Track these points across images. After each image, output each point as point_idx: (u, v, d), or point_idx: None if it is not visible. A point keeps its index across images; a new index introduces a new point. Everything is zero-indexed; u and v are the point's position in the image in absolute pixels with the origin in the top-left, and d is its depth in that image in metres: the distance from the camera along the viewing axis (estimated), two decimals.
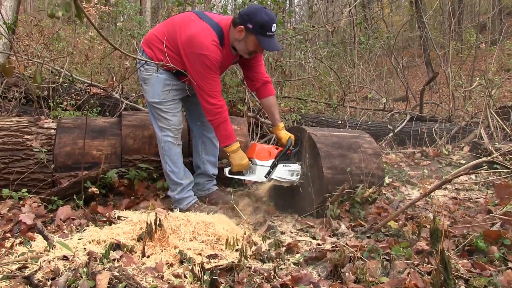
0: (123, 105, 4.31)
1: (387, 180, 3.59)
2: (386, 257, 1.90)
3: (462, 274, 1.71)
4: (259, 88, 2.78)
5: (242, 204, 2.71)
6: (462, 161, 4.58)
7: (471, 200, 3.22)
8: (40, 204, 2.53)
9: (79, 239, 2.05)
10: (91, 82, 4.63)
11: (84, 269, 1.60)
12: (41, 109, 4.19)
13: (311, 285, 1.66)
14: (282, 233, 2.44)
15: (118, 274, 1.57)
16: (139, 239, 2.03)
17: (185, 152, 2.86)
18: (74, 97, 4.62)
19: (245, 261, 1.85)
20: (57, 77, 4.52)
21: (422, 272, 1.73)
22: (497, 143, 4.46)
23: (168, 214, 2.30)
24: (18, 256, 1.81)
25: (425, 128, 5.63)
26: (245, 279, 1.69)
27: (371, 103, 7.11)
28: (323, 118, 5.51)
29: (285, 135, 2.72)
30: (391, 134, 5.46)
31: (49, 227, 2.31)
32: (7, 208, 2.45)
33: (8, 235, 2.17)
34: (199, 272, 1.72)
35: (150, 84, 2.61)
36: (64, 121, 2.91)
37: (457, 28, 10.17)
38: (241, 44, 2.47)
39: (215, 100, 2.49)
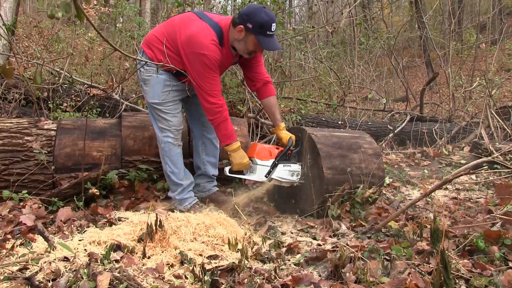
0: (123, 106, 4.32)
1: (387, 180, 3.59)
2: (387, 257, 1.90)
3: (463, 274, 1.71)
4: (260, 89, 2.79)
5: (242, 205, 2.70)
6: (463, 161, 4.58)
7: (471, 200, 3.22)
8: (41, 206, 2.53)
9: (80, 240, 2.05)
10: (91, 83, 4.63)
11: (85, 270, 1.60)
12: (41, 111, 4.20)
13: (312, 286, 1.66)
14: (283, 233, 2.44)
15: (119, 275, 1.57)
16: (140, 240, 2.03)
17: (185, 152, 2.86)
18: (74, 98, 4.62)
19: (246, 262, 1.85)
20: (56, 78, 4.52)
21: (423, 272, 1.73)
22: (497, 143, 4.46)
23: (169, 215, 2.30)
24: (19, 257, 1.81)
25: (425, 129, 5.63)
26: (246, 280, 1.69)
27: (371, 103, 7.11)
28: (323, 119, 5.51)
29: (286, 135, 2.72)
30: (391, 135, 5.46)
31: (49, 228, 2.31)
32: (8, 210, 2.45)
33: (9, 236, 2.17)
34: (200, 273, 1.72)
35: (150, 85, 2.62)
36: (64, 122, 2.91)
37: (457, 28, 10.17)
38: (241, 44, 2.47)
39: (215, 99, 2.49)
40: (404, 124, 5.68)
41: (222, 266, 1.82)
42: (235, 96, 4.71)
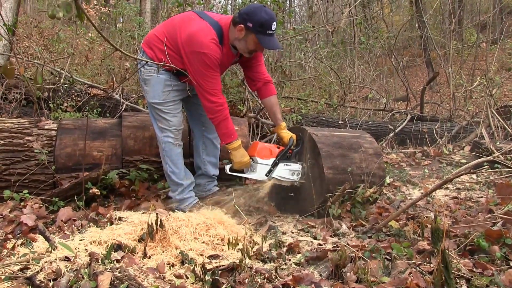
0: (124, 106, 4.31)
1: (388, 180, 3.59)
2: (388, 257, 1.90)
3: (464, 273, 1.70)
4: (260, 88, 2.79)
5: (243, 205, 2.71)
6: (463, 161, 4.58)
7: (472, 200, 3.22)
8: (41, 205, 2.53)
9: (81, 240, 2.05)
10: (92, 83, 4.63)
11: (86, 270, 1.61)
12: (41, 111, 4.20)
13: (313, 285, 1.66)
14: (283, 233, 2.44)
15: (119, 274, 1.57)
16: (141, 239, 2.03)
17: (185, 152, 2.86)
18: (74, 98, 4.62)
19: (247, 261, 1.85)
20: (57, 78, 4.52)
21: (424, 272, 1.73)
22: (498, 143, 4.46)
23: (169, 214, 2.30)
24: (20, 257, 1.82)
25: (426, 128, 5.63)
26: (247, 279, 1.69)
27: (372, 103, 7.11)
28: (324, 118, 5.51)
29: (287, 135, 2.72)
30: (391, 134, 5.46)
31: (50, 228, 2.31)
32: (9, 210, 2.45)
33: (10, 236, 2.17)
34: (201, 273, 1.73)
35: (151, 84, 2.62)
36: (64, 123, 2.91)
37: (458, 27, 10.16)
38: (241, 43, 2.47)
39: (215, 98, 2.49)
40: (404, 123, 5.68)
41: (223, 265, 1.82)
42: (236, 96, 4.71)
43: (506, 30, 10.39)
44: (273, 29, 2.40)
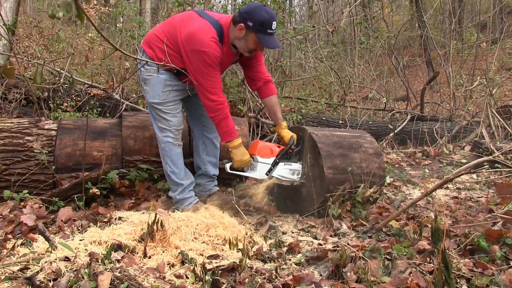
0: (124, 106, 4.31)
1: (388, 179, 3.58)
2: (388, 257, 1.90)
3: (464, 273, 1.70)
4: (261, 88, 2.79)
5: (243, 204, 2.70)
6: (463, 161, 4.58)
7: (472, 200, 3.22)
8: (41, 205, 2.53)
9: (81, 240, 2.05)
10: (91, 83, 4.63)
11: (86, 270, 1.60)
12: (41, 111, 4.20)
13: (313, 285, 1.66)
14: (284, 233, 2.44)
15: (119, 274, 1.57)
16: (141, 239, 2.03)
17: (185, 152, 2.86)
18: (74, 98, 4.62)
19: (247, 261, 1.85)
20: (57, 78, 4.52)
21: (424, 272, 1.73)
22: (498, 142, 4.46)
23: (169, 214, 2.30)
24: (20, 257, 1.81)
25: (426, 128, 5.63)
26: (247, 279, 1.69)
27: (372, 102, 7.11)
28: (324, 118, 5.51)
29: (287, 134, 2.72)
30: (392, 134, 5.45)
31: (50, 228, 2.31)
32: (9, 210, 2.45)
33: (10, 236, 2.17)
34: (201, 273, 1.72)
35: (151, 84, 2.61)
36: (64, 122, 2.91)
37: (458, 27, 10.16)
38: (241, 42, 2.47)
39: (215, 96, 2.49)
40: (404, 123, 5.68)
41: (223, 265, 1.82)
42: (236, 95, 4.71)
43: (506, 30, 10.38)
44: (273, 28, 2.40)
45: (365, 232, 2.33)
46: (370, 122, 5.75)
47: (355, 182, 2.65)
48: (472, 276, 1.68)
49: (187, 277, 1.75)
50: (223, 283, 1.69)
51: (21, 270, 1.68)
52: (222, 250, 2.08)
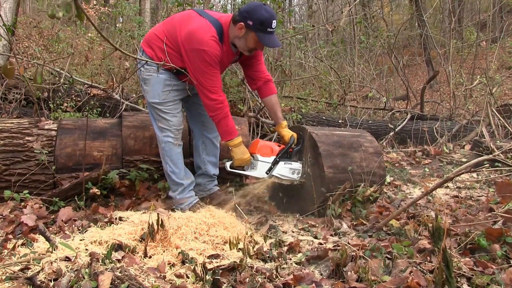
0: (124, 106, 4.31)
1: (388, 179, 3.58)
2: (388, 256, 1.90)
3: (464, 272, 1.70)
4: (261, 87, 2.78)
5: (243, 204, 2.70)
6: (464, 160, 4.57)
7: (472, 199, 3.22)
8: (42, 206, 2.53)
9: (81, 240, 2.05)
10: (91, 83, 4.63)
11: (86, 270, 1.60)
12: (41, 111, 4.20)
13: (313, 284, 1.66)
14: (284, 232, 2.44)
15: (120, 274, 1.57)
16: (141, 239, 2.03)
17: (185, 152, 2.86)
18: (74, 98, 4.62)
19: (247, 261, 1.85)
20: (57, 78, 4.51)
21: (424, 271, 1.73)
22: (498, 141, 4.46)
23: (170, 214, 2.30)
24: (21, 257, 1.81)
25: (426, 127, 5.63)
26: (247, 279, 1.69)
27: (372, 102, 7.11)
28: (324, 118, 5.51)
29: (287, 133, 2.72)
30: (392, 133, 5.45)
31: (50, 228, 2.31)
32: (9, 210, 2.45)
33: (10, 236, 2.17)
34: (201, 272, 1.72)
35: (151, 84, 2.61)
36: (64, 123, 2.91)
37: (458, 26, 10.15)
38: (241, 41, 2.47)
39: (215, 95, 2.49)
40: (404, 122, 5.68)
41: (223, 265, 1.82)
42: (236, 95, 4.70)
43: (506, 29, 10.39)
44: (273, 27, 2.40)
45: (365, 231, 2.33)
46: (370, 122, 5.75)
47: (355, 181, 2.65)
48: (472, 275, 1.68)
49: (188, 277, 1.75)
50: (224, 283, 1.69)
51: (21, 270, 1.68)
52: (223, 249, 2.08)
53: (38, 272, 1.65)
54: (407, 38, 11.74)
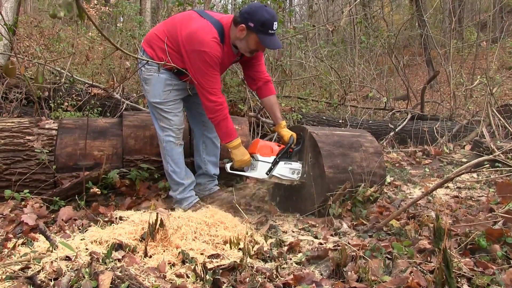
0: (124, 106, 4.31)
1: (388, 179, 3.58)
2: (388, 256, 1.90)
3: (465, 272, 1.70)
4: (260, 87, 2.79)
5: (243, 204, 2.70)
6: (464, 160, 4.57)
7: (473, 199, 3.22)
8: (42, 205, 2.53)
9: (81, 239, 2.05)
10: (92, 83, 4.63)
11: (87, 269, 1.61)
12: (42, 110, 4.20)
13: (314, 284, 1.66)
14: (284, 232, 2.44)
15: (120, 274, 1.57)
16: (141, 239, 2.03)
17: (186, 152, 2.86)
18: (74, 98, 4.62)
19: (248, 261, 1.85)
20: (57, 78, 4.52)
21: (425, 271, 1.73)
22: (498, 141, 4.46)
23: (170, 214, 2.30)
24: (21, 257, 1.82)
25: (426, 127, 5.63)
26: (248, 279, 1.69)
27: (372, 102, 7.11)
28: (324, 118, 5.51)
29: (287, 133, 2.73)
30: (392, 133, 5.45)
31: (51, 228, 2.31)
32: (9, 209, 2.45)
33: (11, 235, 2.17)
34: (202, 272, 1.73)
35: (151, 84, 2.61)
36: (65, 122, 2.91)
37: (458, 26, 10.15)
38: (242, 43, 2.47)
39: (215, 97, 2.49)
40: (405, 122, 5.68)
41: (223, 265, 1.82)
42: (236, 95, 4.71)
43: (506, 29, 10.39)
44: (274, 28, 2.40)
45: (365, 231, 2.34)
46: (371, 122, 5.75)
47: (356, 181, 2.65)
48: (472, 275, 1.68)
49: (188, 277, 1.76)
50: (224, 283, 1.69)
51: (22, 269, 1.68)
52: (223, 249, 2.08)
53: (39, 271, 1.65)
54: (408, 38, 11.75)
